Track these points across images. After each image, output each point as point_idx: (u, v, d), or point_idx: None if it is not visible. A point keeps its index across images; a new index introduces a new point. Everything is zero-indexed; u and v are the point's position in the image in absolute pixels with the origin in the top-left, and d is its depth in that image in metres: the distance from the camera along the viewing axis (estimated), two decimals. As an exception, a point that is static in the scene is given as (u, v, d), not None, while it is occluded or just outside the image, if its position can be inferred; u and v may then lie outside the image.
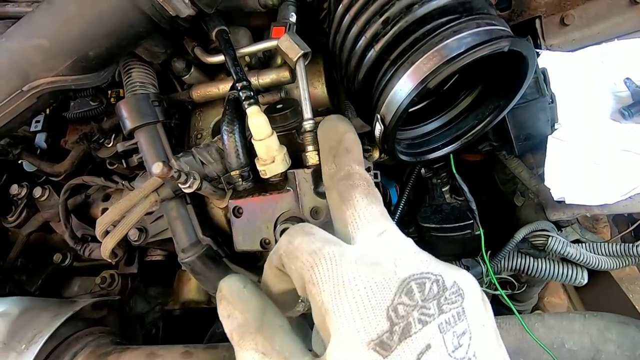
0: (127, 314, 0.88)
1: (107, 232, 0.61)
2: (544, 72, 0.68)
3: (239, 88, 0.54)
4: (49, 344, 0.57)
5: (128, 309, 0.89)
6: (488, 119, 0.56)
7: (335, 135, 0.35)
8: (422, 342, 0.24)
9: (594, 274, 0.79)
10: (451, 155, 0.71)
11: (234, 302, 0.29)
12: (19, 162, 0.84)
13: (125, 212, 0.59)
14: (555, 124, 0.70)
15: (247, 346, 0.27)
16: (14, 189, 0.82)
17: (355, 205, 0.30)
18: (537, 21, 0.79)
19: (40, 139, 0.83)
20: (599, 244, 0.77)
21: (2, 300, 0.62)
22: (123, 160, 0.69)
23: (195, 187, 0.54)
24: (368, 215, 0.30)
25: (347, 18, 0.50)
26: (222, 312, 0.30)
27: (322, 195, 0.52)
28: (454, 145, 0.58)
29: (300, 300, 0.47)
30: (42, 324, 0.58)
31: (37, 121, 0.82)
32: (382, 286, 0.25)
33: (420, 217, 0.90)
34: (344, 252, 0.27)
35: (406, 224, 1.00)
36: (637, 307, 1.06)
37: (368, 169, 0.73)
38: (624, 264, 0.76)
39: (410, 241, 0.29)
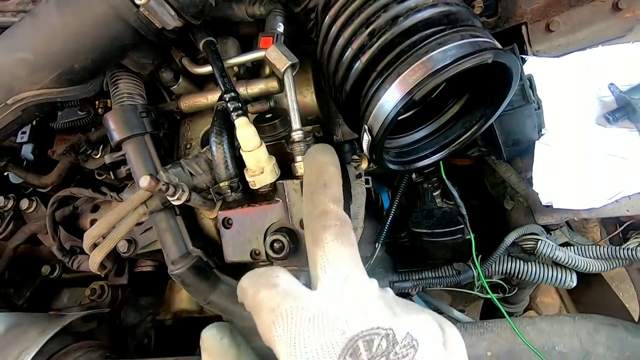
0: (117, 326, 0.87)
1: (95, 245, 0.60)
2: (530, 79, 0.68)
3: (227, 99, 0.54)
4: (36, 360, 0.56)
5: (119, 320, 0.88)
6: (475, 127, 0.56)
7: (316, 169, 0.35)
8: None
9: (584, 273, 0.80)
10: (440, 161, 0.72)
11: (212, 355, 0.31)
12: (5, 173, 0.82)
13: (114, 224, 0.58)
14: (542, 129, 0.71)
15: None
16: (0, 201, 0.81)
17: (324, 247, 0.30)
18: (523, 27, 0.81)
19: (27, 150, 0.82)
20: (587, 246, 0.77)
21: (-12, 316, 0.61)
22: (111, 172, 0.68)
23: (183, 199, 0.54)
24: (336, 258, 0.30)
25: (334, 29, 0.50)
26: None
27: (311, 205, 0.52)
28: (442, 153, 0.58)
29: None
30: (29, 340, 0.57)
31: (24, 132, 0.81)
32: (327, 349, 0.25)
33: (412, 223, 0.90)
34: (302, 309, 0.27)
35: (398, 229, 1.01)
36: (626, 305, 1.08)
37: (359, 176, 0.74)
38: (612, 267, 0.77)
39: (372, 287, 0.29)
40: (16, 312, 0.74)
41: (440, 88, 0.60)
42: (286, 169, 0.57)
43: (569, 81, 0.76)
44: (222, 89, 0.54)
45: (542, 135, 0.71)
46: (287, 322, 0.27)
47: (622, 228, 0.84)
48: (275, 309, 0.27)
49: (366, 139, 0.48)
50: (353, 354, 0.25)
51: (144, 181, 0.48)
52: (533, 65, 0.75)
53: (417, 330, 0.26)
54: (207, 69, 0.61)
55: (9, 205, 0.81)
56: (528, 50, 0.80)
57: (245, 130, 0.52)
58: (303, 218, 0.36)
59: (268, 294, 0.29)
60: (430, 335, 0.27)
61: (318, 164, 0.35)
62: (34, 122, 0.82)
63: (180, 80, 0.66)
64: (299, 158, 0.54)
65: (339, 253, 0.30)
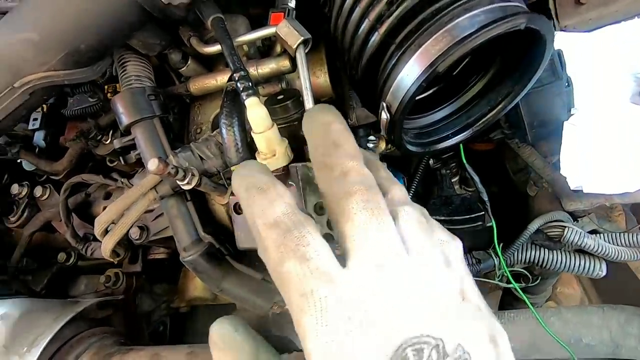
0: (132, 313, 0.87)
1: (106, 231, 0.60)
2: (559, 54, 0.64)
3: (236, 78, 0.51)
4: (51, 346, 0.56)
5: (133, 307, 0.88)
6: (501, 105, 0.53)
7: (319, 130, 0.29)
8: None
9: (609, 264, 0.76)
10: (461, 145, 0.68)
11: (225, 350, 0.28)
12: (18, 161, 0.83)
13: (124, 210, 0.57)
14: (572, 109, 0.66)
15: None
16: (15, 188, 0.81)
17: (353, 219, 0.25)
18: (551, 1, 0.75)
19: (39, 137, 0.82)
20: (617, 234, 0.73)
21: (3, 302, 0.61)
22: (121, 157, 0.67)
23: (194, 183, 0.52)
24: (368, 234, 0.25)
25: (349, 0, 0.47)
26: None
27: (326, 189, 0.49)
28: (464, 134, 0.55)
29: None
30: (44, 325, 0.57)
31: (35, 119, 0.81)
32: (373, 356, 0.22)
33: (430, 210, 0.87)
34: (339, 302, 0.23)
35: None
36: (653, 297, 1.03)
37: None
38: (645, 255, 0.73)
39: (412, 273, 0.24)
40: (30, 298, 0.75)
41: (464, 63, 0.56)
42: (299, 152, 0.55)
43: (600, 57, 0.70)
44: (232, 67, 0.52)
45: (572, 115, 0.66)
46: (322, 316, 0.23)
47: (655, 215, 0.79)
48: (307, 295, 0.23)
49: (384, 117, 0.45)
50: None
51: (153, 164, 0.46)
52: (562, 42, 0.70)
53: (469, 343, 0.23)
54: (215, 48, 0.59)
55: (24, 193, 0.81)
56: (556, 25, 0.74)
57: (256, 111, 0.49)
58: (319, 186, 0.28)
59: (298, 269, 0.24)
60: (482, 351, 0.23)
61: (320, 125, 0.29)
62: (45, 109, 0.82)
63: (189, 61, 0.64)
64: (312, 140, 0.52)
65: (370, 229, 0.25)
